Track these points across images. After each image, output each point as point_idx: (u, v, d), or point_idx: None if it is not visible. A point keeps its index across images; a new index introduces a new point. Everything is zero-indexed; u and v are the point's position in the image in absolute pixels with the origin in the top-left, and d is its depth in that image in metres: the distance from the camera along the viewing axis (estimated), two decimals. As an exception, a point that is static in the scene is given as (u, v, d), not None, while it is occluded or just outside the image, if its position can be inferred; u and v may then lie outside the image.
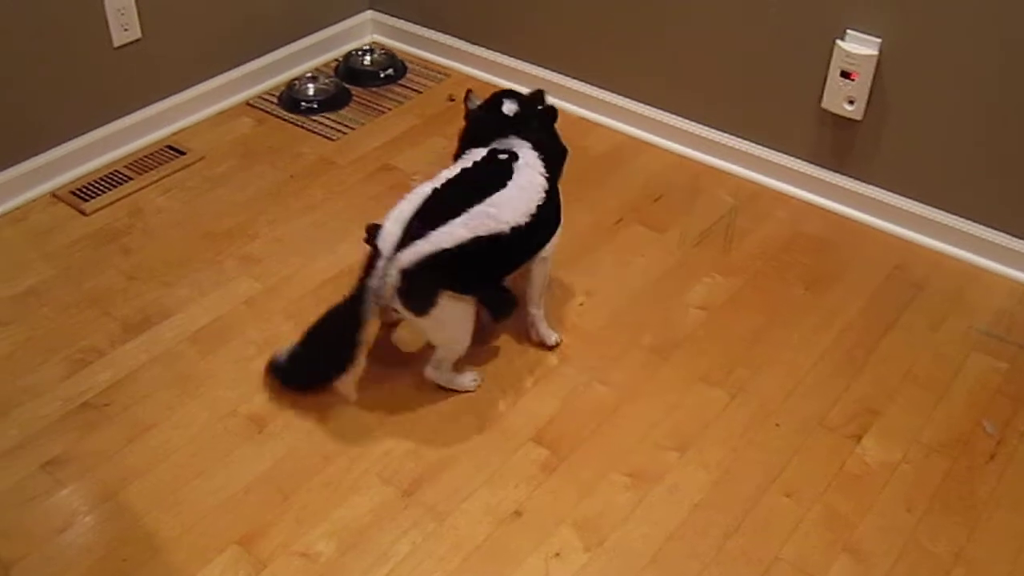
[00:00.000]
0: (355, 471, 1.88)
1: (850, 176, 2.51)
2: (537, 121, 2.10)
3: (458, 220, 1.86)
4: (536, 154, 2.03)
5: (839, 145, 2.49)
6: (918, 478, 1.89)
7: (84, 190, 2.56)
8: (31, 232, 2.44)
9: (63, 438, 1.93)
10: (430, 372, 2.02)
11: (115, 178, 2.61)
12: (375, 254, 1.87)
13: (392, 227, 1.88)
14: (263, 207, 2.54)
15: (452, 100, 2.96)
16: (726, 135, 2.67)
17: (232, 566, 1.72)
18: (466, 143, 2.10)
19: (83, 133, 2.62)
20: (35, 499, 1.82)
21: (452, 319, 1.93)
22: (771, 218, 2.53)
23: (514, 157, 1.99)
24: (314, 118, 2.89)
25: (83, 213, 2.50)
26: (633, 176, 2.67)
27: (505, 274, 2.02)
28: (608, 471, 1.89)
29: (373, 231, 1.91)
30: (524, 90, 2.17)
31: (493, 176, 1.96)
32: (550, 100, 2.17)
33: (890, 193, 2.46)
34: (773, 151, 2.60)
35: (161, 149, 2.73)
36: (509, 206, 1.92)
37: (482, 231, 1.87)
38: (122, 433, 1.95)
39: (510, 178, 1.95)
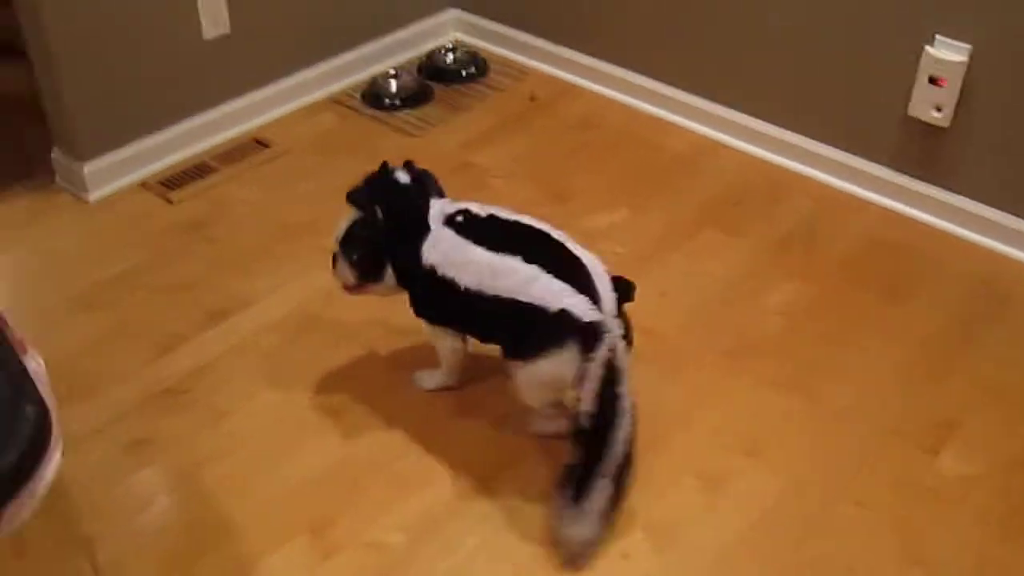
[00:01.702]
0: (426, 464, 1.90)
1: (935, 184, 2.46)
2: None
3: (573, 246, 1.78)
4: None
5: (925, 152, 2.45)
6: (996, 495, 1.85)
7: (172, 180, 2.63)
8: (121, 219, 2.52)
9: (145, 421, 1.99)
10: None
11: (202, 169, 2.67)
12: (590, 329, 1.68)
13: (574, 299, 1.69)
14: (344, 201, 2.57)
15: (533, 99, 2.98)
16: (808, 139, 2.63)
17: (303, 553, 1.75)
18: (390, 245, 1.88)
19: (172, 124, 2.69)
20: (116, 479, 1.88)
21: None
22: (852, 225, 2.49)
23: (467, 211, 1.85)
24: (396, 114, 2.92)
25: (170, 202, 2.56)
26: (711, 179, 2.65)
27: None
28: (679, 474, 1.88)
29: (563, 320, 1.68)
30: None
31: (498, 223, 1.84)
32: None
33: (976, 203, 2.41)
34: (856, 157, 2.57)
35: (247, 142, 2.79)
36: (542, 223, 1.83)
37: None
38: (201, 419, 1.99)
39: (501, 216, 1.84)
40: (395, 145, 2.79)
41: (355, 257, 1.89)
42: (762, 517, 1.81)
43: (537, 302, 1.70)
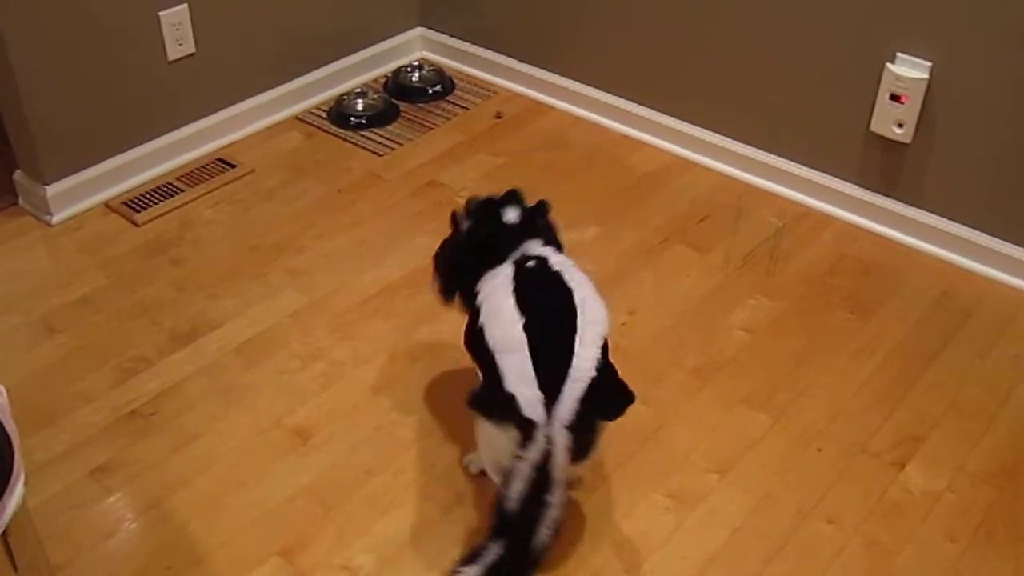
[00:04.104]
0: (397, 486, 1.90)
1: (898, 199, 2.49)
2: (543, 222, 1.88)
3: (581, 342, 1.63)
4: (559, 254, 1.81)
5: (887, 168, 2.48)
6: (962, 508, 1.87)
7: (137, 201, 2.61)
8: (85, 241, 2.49)
9: (111, 445, 1.97)
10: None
11: (167, 190, 2.66)
12: (529, 426, 1.58)
13: (529, 391, 1.58)
14: (310, 221, 2.57)
15: (499, 117, 2.98)
16: (773, 156, 2.66)
17: (273, 577, 1.74)
18: (466, 266, 1.83)
19: (137, 145, 2.67)
20: (82, 505, 1.86)
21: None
22: (817, 241, 2.51)
23: (544, 260, 1.77)
24: (362, 133, 2.92)
25: (135, 224, 2.54)
26: (678, 196, 2.67)
27: None
28: (649, 492, 1.89)
29: (510, 404, 1.58)
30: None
31: (552, 284, 1.73)
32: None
33: (938, 217, 2.44)
34: (820, 173, 2.59)
35: (212, 162, 2.77)
36: (594, 305, 1.70)
37: (599, 341, 1.66)
38: (168, 442, 1.98)
39: (563, 280, 1.72)
40: (361, 164, 2.78)
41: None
42: (732, 535, 1.81)
43: (503, 370, 1.62)
